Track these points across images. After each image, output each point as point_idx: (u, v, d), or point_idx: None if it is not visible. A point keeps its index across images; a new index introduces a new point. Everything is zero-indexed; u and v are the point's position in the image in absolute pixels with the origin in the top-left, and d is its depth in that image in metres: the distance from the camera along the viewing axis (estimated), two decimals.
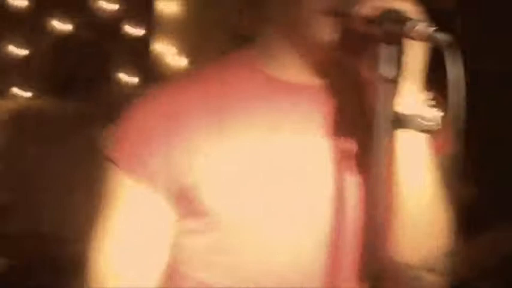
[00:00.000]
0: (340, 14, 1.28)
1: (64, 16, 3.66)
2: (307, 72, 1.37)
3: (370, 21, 1.21)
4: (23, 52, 3.78)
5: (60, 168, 3.01)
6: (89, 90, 2.94)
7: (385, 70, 1.16)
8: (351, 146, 1.38)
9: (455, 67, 1.10)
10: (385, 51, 1.17)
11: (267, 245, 1.34)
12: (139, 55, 3.96)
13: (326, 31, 1.30)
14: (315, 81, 1.37)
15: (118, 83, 3.48)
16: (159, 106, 1.37)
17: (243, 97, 1.36)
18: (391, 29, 1.20)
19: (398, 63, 1.17)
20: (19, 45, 3.76)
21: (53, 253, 2.87)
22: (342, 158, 1.38)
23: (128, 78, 3.84)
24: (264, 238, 1.34)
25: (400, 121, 1.24)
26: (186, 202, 1.34)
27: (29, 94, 3.61)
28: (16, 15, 3.68)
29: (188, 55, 3.83)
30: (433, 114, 1.26)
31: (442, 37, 1.13)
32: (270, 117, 1.36)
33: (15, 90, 3.74)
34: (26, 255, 2.89)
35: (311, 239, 1.35)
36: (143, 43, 4.04)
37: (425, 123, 1.26)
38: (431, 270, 1.29)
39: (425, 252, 1.31)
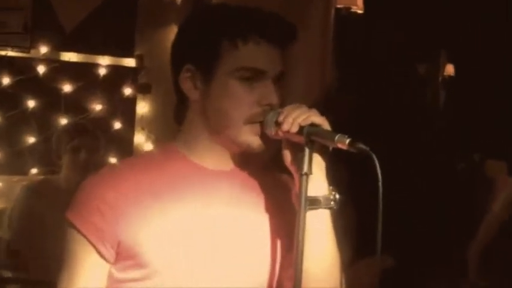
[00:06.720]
0: (272, 133, 1.45)
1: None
2: (221, 161, 1.54)
3: (297, 133, 1.39)
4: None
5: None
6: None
7: (304, 167, 1.39)
8: (262, 215, 1.56)
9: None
10: (303, 153, 1.39)
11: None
12: (125, 144, 4.43)
13: (252, 138, 1.49)
14: (227, 167, 1.55)
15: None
16: (108, 182, 1.51)
17: (172, 177, 1.52)
18: (317, 140, 1.39)
19: (310, 161, 1.40)
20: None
21: None
22: (254, 224, 1.54)
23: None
24: (192, 283, 1.49)
25: (313, 201, 1.43)
26: (129, 257, 1.49)
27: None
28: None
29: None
30: (335, 197, 1.46)
31: (360, 145, 1.34)
32: (193, 194, 1.51)
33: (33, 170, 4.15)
34: None
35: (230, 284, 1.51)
36: (127, 135, 4.54)
37: (331, 203, 1.46)
38: None
39: (332, 283, 1.54)
